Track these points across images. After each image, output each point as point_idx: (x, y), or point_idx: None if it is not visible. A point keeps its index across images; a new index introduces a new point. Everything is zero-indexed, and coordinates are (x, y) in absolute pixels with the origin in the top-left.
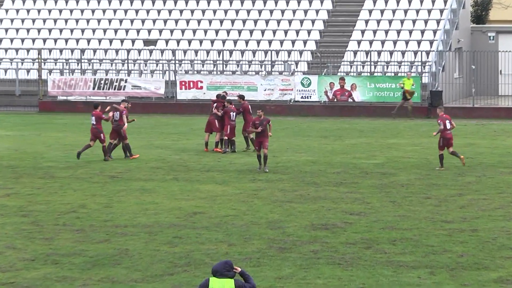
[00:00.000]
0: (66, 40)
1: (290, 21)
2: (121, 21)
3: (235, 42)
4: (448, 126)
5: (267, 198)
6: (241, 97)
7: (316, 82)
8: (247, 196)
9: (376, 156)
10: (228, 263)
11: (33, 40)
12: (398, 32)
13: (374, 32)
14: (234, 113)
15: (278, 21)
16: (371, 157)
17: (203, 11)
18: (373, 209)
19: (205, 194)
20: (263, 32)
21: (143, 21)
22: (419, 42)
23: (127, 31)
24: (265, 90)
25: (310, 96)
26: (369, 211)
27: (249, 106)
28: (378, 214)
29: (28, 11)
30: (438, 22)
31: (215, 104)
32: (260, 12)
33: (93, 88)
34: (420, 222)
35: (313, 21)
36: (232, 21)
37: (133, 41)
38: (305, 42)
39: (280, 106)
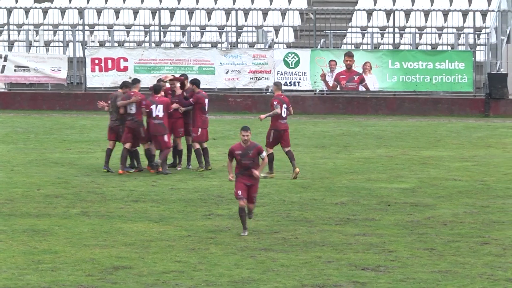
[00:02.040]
0: None
1: None
2: None
3: None
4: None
5: (230, 245)
6: (195, 82)
7: (308, 60)
8: (200, 241)
9: (404, 177)
10: None
11: None
12: None
13: None
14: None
15: None
16: (395, 178)
17: None
18: (399, 262)
19: (132, 238)
20: None
21: None
22: None
23: None
24: (226, 72)
25: (299, 83)
26: (392, 265)
27: (206, 100)
28: (407, 270)
29: None
30: None
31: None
32: None
33: None
34: (474, 282)
35: None
36: None
37: None
38: None
39: (250, 97)
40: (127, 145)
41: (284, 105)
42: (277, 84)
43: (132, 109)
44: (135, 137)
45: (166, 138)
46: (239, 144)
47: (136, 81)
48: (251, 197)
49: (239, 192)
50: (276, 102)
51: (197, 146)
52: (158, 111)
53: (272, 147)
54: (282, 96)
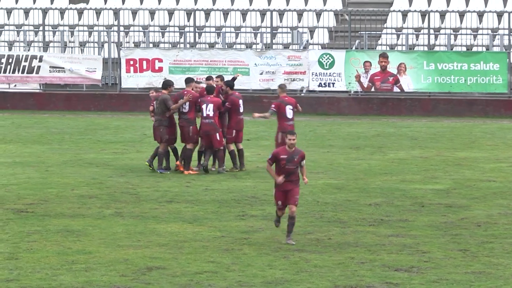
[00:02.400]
0: None
1: None
2: None
3: None
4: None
5: (264, 245)
6: (229, 84)
7: (343, 61)
8: (233, 241)
9: (438, 178)
10: None
11: None
12: None
13: None
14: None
15: None
16: (429, 180)
17: None
18: (433, 263)
19: (166, 239)
20: None
21: None
22: None
23: None
24: (261, 73)
25: (333, 84)
26: (425, 266)
27: (240, 101)
28: (440, 271)
29: None
30: None
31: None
32: None
33: None
34: (507, 283)
35: None
36: None
37: None
38: None
39: None
40: (190, 145)
41: (289, 106)
42: (281, 87)
43: (185, 108)
44: (183, 135)
45: (218, 137)
46: (284, 149)
47: (190, 80)
48: (294, 199)
49: (279, 202)
50: (273, 106)
51: (232, 147)
52: (208, 110)
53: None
54: (286, 98)
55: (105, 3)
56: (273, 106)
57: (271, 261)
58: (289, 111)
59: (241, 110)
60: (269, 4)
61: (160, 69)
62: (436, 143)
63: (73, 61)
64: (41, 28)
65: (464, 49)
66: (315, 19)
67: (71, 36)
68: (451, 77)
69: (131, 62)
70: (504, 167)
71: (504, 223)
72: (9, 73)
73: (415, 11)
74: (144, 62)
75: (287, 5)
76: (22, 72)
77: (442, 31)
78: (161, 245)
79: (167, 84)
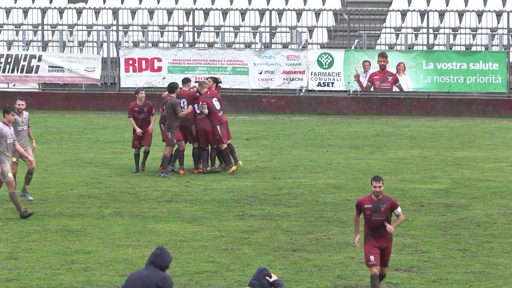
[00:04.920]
0: None
1: None
2: None
3: None
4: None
5: (263, 245)
6: (215, 80)
7: (342, 60)
8: (233, 241)
9: (437, 178)
10: (261, 272)
11: None
12: None
13: None
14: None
15: None
16: (429, 179)
17: None
18: (432, 262)
19: (165, 239)
20: None
21: None
22: None
23: None
24: (260, 73)
25: (332, 83)
26: (425, 265)
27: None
28: (440, 270)
29: None
30: None
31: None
32: None
33: None
34: (507, 283)
35: None
36: None
37: None
38: None
39: (284, 98)
40: (196, 144)
41: (214, 99)
42: (200, 84)
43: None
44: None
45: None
46: (369, 197)
47: (187, 80)
48: (384, 260)
49: (372, 257)
50: (201, 102)
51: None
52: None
53: (227, 140)
54: (209, 93)
55: (104, 3)
56: (201, 103)
57: (270, 260)
58: (216, 103)
59: (218, 108)
60: (268, 4)
61: (159, 69)
62: (435, 142)
63: (72, 61)
64: (40, 27)
65: (463, 48)
66: (314, 19)
67: (70, 36)
68: (450, 77)
69: (130, 62)
70: (503, 167)
71: (504, 222)
72: (8, 72)
73: (414, 10)
74: (143, 62)
75: (286, 4)
76: (21, 72)
77: (441, 30)
78: (160, 244)
79: (173, 87)
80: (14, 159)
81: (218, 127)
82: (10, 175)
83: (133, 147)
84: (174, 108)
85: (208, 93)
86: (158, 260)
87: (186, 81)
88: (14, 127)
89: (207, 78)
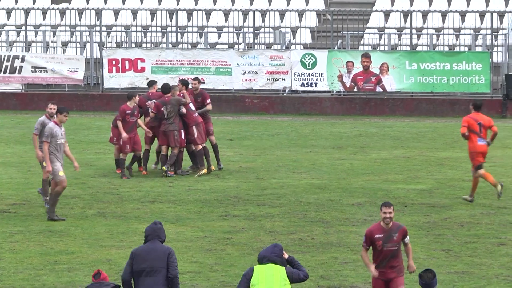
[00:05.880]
0: None
1: None
2: None
3: None
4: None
5: (247, 245)
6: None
7: (325, 61)
8: (216, 241)
9: (420, 178)
10: (277, 247)
11: None
12: None
13: None
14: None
15: None
16: (412, 179)
17: None
18: (416, 263)
19: None
20: None
21: None
22: None
23: None
24: (243, 73)
25: (316, 84)
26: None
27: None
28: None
29: None
30: None
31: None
32: None
33: None
34: (490, 283)
35: None
36: None
37: None
38: None
39: (267, 99)
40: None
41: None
42: (172, 87)
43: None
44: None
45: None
46: (378, 225)
47: (153, 83)
48: None
49: None
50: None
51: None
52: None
53: (204, 142)
54: (182, 95)
55: (87, 3)
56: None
57: (254, 261)
58: (191, 105)
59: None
60: (251, 4)
61: (143, 69)
62: (419, 143)
63: (55, 61)
64: (23, 28)
65: (446, 49)
66: (297, 19)
67: (53, 36)
68: (434, 77)
69: (114, 62)
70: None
71: (487, 222)
72: None
73: (397, 11)
74: (127, 62)
75: (269, 5)
76: (4, 72)
77: (424, 31)
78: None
79: (168, 88)
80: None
81: (194, 127)
82: (61, 173)
83: (122, 151)
84: (180, 102)
85: (182, 95)
86: (161, 233)
87: (152, 83)
88: (41, 132)
89: (193, 79)
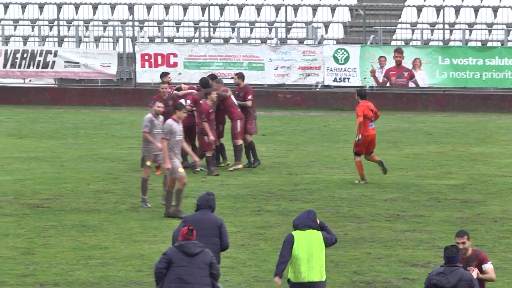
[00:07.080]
0: None
1: None
2: None
3: None
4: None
5: (280, 240)
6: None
7: (358, 56)
8: (249, 236)
9: (453, 173)
10: (311, 213)
11: None
12: None
13: None
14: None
15: None
16: (444, 175)
17: None
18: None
19: None
20: None
21: None
22: None
23: None
24: (276, 68)
25: (348, 79)
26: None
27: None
28: None
29: None
30: None
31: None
32: None
33: (4, 67)
34: None
35: None
36: None
37: None
38: None
39: (300, 94)
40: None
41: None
42: (218, 81)
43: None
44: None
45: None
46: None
47: (165, 74)
48: None
49: None
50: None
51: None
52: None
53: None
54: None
55: None
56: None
57: None
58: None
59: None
60: None
61: (175, 64)
62: (451, 138)
63: (88, 56)
64: (55, 22)
65: (479, 44)
66: (330, 14)
67: (86, 31)
68: (466, 72)
69: (146, 57)
70: None
71: None
72: (24, 68)
73: (429, 6)
74: (159, 57)
75: (302, 0)
76: (37, 67)
77: (456, 26)
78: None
79: (206, 82)
80: (149, 163)
81: (238, 121)
82: (181, 170)
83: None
84: (222, 95)
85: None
86: (212, 203)
87: (164, 74)
88: (150, 130)
89: (236, 74)
